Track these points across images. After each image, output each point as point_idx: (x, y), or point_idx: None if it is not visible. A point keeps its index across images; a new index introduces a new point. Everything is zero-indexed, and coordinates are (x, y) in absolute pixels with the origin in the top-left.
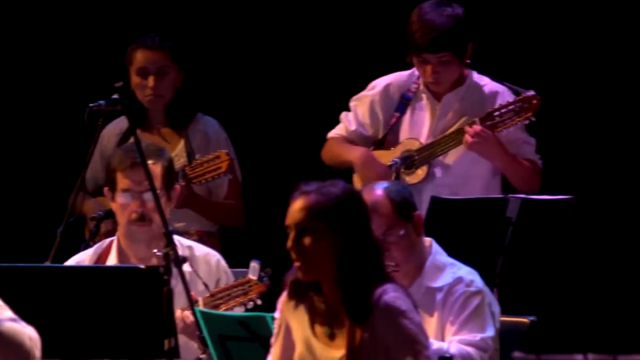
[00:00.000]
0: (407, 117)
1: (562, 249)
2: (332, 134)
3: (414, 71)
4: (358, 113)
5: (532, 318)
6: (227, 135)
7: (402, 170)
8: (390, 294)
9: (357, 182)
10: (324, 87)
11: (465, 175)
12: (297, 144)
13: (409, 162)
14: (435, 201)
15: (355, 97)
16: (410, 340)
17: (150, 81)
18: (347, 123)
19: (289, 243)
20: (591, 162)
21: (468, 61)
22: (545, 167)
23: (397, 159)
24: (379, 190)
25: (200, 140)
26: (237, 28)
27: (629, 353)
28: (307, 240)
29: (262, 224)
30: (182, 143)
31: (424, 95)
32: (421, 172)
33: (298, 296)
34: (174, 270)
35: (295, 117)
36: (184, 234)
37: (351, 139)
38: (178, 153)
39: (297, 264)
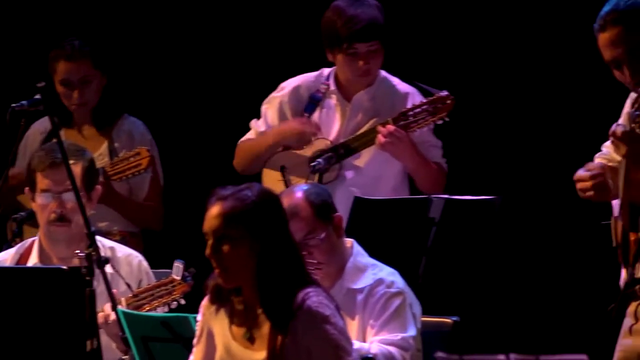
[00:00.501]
0: (316, 117)
1: (485, 249)
2: (242, 139)
3: (322, 72)
4: (268, 115)
5: (455, 318)
6: (152, 137)
7: (324, 170)
8: (313, 298)
9: (266, 177)
10: (248, 92)
11: (376, 176)
12: (222, 147)
13: (332, 162)
14: (358, 201)
15: (266, 99)
16: (332, 346)
17: (75, 93)
18: (257, 127)
19: (207, 251)
20: (514, 162)
21: None
22: (469, 168)
23: (320, 160)
24: (298, 193)
25: (124, 141)
26: (164, 31)
27: (551, 353)
28: (225, 247)
29: (184, 224)
30: (106, 143)
31: (333, 96)
32: (333, 173)
33: (219, 300)
34: (96, 271)
35: (221, 120)
36: (106, 234)
37: None
38: (102, 153)
39: (216, 271)
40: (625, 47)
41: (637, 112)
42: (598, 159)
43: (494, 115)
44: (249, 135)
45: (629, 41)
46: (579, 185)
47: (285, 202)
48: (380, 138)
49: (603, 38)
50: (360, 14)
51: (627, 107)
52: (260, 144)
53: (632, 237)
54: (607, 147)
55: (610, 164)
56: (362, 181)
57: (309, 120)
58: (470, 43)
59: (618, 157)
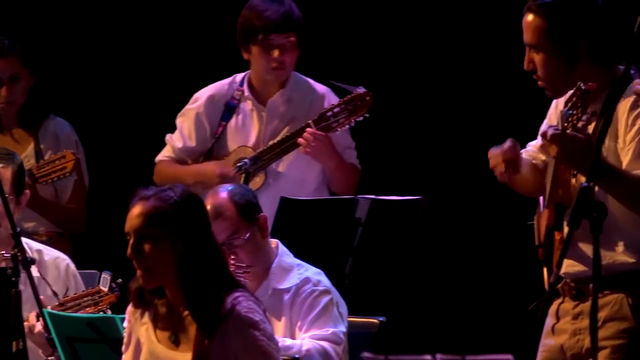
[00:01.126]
0: (233, 124)
1: (411, 249)
2: (160, 157)
3: (235, 77)
4: (184, 128)
5: (381, 318)
6: (79, 138)
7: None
8: (243, 303)
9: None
10: (173, 93)
11: (298, 180)
12: (148, 148)
13: (260, 163)
14: (284, 201)
15: (180, 113)
16: (260, 352)
17: (3, 91)
18: (173, 142)
19: (129, 251)
20: (440, 163)
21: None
22: (395, 168)
23: (246, 160)
24: (223, 193)
25: (50, 142)
26: (89, 31)
27: (477, 353)
28: (146, 247)
29: (111, 224)
30: (32, 144)
31: (249, 101)
32: (259, 179)
33: (143, 303)
34: (23, 276)
35: (147, 121)
36: (33, 234)
37: (180, 158)
38: (28, 154)
39: (138, 272)
40: (531, 36)
41: (570, 112)
42: (523, 154)
43: (421, 116)
44: (166, 152)
45: (536, 33)
46: (491, 163)
47: (210, 202)
48: (302, 142)
49: (526, 20)
50: (277, 7)
51: (552, 107)
52: (178, 178)
53: (557, 236)
54: (533, 145)
55: (534, 161)
56: (284, 185)
57: (226, 164)
58: (392, 42)
59: (542, 156)
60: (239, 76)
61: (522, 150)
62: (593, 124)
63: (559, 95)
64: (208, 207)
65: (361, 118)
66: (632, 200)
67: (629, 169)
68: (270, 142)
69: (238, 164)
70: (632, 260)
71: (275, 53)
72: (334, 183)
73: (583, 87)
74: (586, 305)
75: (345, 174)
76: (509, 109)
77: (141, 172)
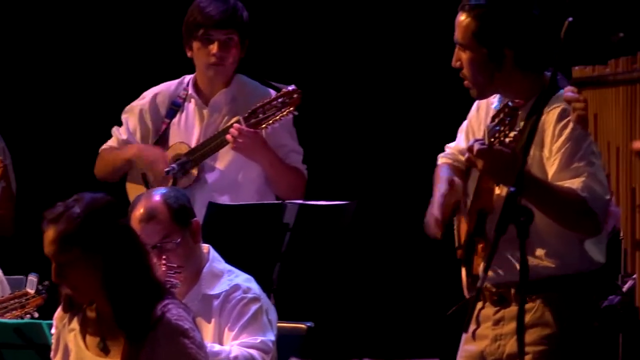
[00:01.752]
0: (176, 123)
1: (339, 254)
2: (104, 146)
3: (184, 78)
4: (129, 123)
5: (309, 324)
6: (5, 145)
7: (179, 175)
8: (173, 311)
9: (130, 189)
10: (105, 97)
11: (237, 178)
12: (78, 153)
13: (187, 167)
14: (212, 207)
15: (126, 108)
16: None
17: None
18: (118, 134)
19: (52, 276)
20: (368, 168)
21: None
22: (324, 173)
23: (174, 165)
24: (157, 196)
25: None
26: (18, 35)
27: (404, 358)
28: (67, 270)
29: (39, 230)
30: None
31: (192, 100)
32: (192, 175)
33: (72, 309)
34: None
35: (76, 126)
36: None
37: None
38: None
39: (67, 291)
40: (460, 35)
41: (497, 128)
42: (442, 159)
43: (348, 120)
44: (110, 142)
45: (464, 33)
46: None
47: (143, 204)
48: (230, 138)
49: (458, 19)
50: (220, 5)
51: (473, 109)
52: (118, 155)
53: (478, 242)
54: (452, 147)
55: (455, 163)
56: (223, 184)
57: (166, 155)
58: (323, 49)
59: (462, 158)
60: (187, 77)
61: (441, 155)
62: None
63: (482, 96)
64: (141, 210)
65: (290, 116)
66: (557, 213)
67: (554, 180)
68: (204, 140)
69: (166, 169)
70: (552, 265)
71: (214, 48)
72: (273, 184)
73: (511, 105)
74: (508, 311)
75: (284, 175)
76: (435, 113)
77: (68, 175)
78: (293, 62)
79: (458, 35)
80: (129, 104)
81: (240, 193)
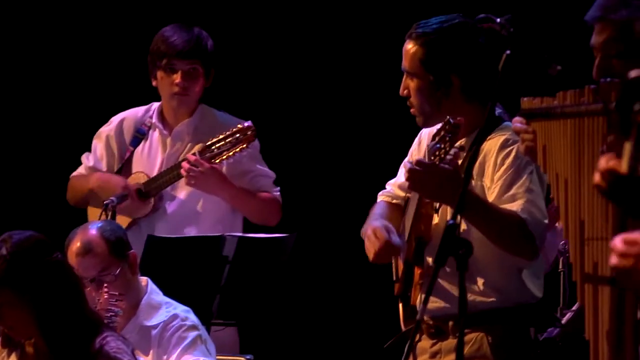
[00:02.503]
0: (140, 151)
1: (278, 286)
2: (74, 173)
3: (152, 105)
4: (96, 149)
5: (248, 357)
6: None
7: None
8: (112, 344)
9: (91, 213)
10: (69, 124)
11: (197, 208)
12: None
13: (150, 189)
14: (151, 240)
15: (96, 134)
16: None
17: None
18: (87, 161)
19: None
20: (307, 200)
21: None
22: None
23: (113, 198)
24: (93, 230)
25: None
26: None
27: None
28: (1, 311)
29: None
30: None
31: (157, 129)
32: (149, 205)
33: (10, 345)
34: None
35: (47, 153)
36: None
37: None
38: None
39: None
40: (408, 64)
41: (438, 145)
42: (381, 197)
43: (289, 155)
44: (80, 169)
45: (412, 61)
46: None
47: (80, 237)
48: (183, 172)
49: (406, 47)
50: (184, 35)
51: (415, 144)
52: (83, 185)
53: (417, 271)
54: (392, 184)
55: (394, 201)
56: (183, 213)
57: (129, 184)
58: (272, 80)
59: (402, 194)
60: (155, 104)
61: (381, 193)
62: (461, 159)
63: (428, 124)
64: (77, 244)
65: (244, 152)
66: (496, 234)
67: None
68: (164, 170)
69: (105, 202)
70: (491, 299)
71: (177, 78)
72: (244, 214)
73: (452, 122)
74: (445, 344)
75: (249, 203)
76: (376, 146)
77: (39, 201)
78: (240, 93)
79: (405, 63)
80: (97, 129)
81: (201, 223)
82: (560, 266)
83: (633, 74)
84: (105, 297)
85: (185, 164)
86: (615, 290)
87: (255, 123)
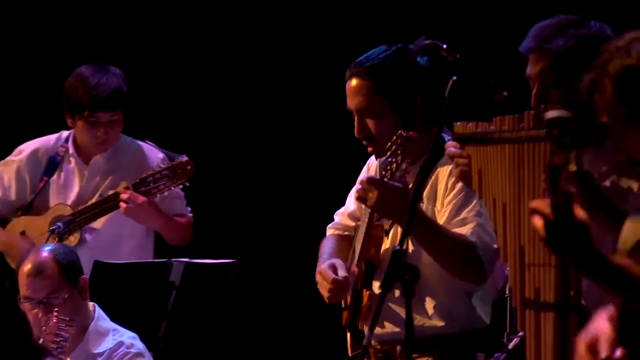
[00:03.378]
0: (55, 181)
1: (226, 312)
2: None
3: (61, 134)
4: (4, 179)
5: None
6: None
7: (64, 235)
8: None
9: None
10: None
11: (115, 236)
12: None
13: (70, 225)
14: (97, 265)
15: (2, 162)
16: None
17: None
18: None
19: None
20: (254, 227)
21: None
22: (211, 232)
23: (59, 224)
24: (45, 252)
25: None
26: None
27: None
28: None
29: None
30: None
31: (72, 159)
32: (73, 238)
33: None
34: None
35: None
36: None
37: None
38: None
39: None
40: (360, 100)
41: (389, 160)
42: (330, 231)
43: (236, 182)
44: None
45: (365, 96)
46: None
47: (32, 259)
48: (122, 204)
49: (348, 86)
50: (105, 83)
51: (364, 171)
52: None
53: (366, 293)
54: (340, 214)
55: (345, 233)
56: (101, 243)
57: (44, 220)
58: (211, 108)
59: (352, 223)
60: (65, 133)
61: (330, 225)
62: (412, 175)
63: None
64: (29, 265)
65: (181, 186)
66: (445, 256)
67: None
68: (90, 202)
69: (52, 227)
70: (441, 323)
71: (101, 131)
72: (164, 238)
73: (404, 135)
74: None
75: (174, 229)
76: (324, 173)
77: None
78: (177, 125)
79: (357, 101)
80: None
81: (119, 250)
82: (507, 292)
83: (550, 114)
84: (55, 321)
85: (124, 196)
86: (558, 315)
87: (195, 151)
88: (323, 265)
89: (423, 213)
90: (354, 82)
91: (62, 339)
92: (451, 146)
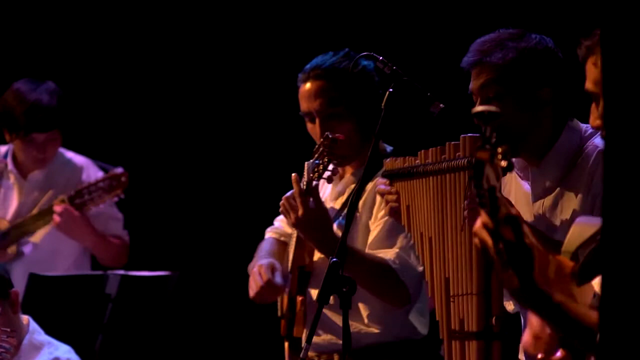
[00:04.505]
0: None
1: (161, 325)
2: None
3: (0, 149)
4: None
5: None
6: None
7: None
8: None
9: None
10: None
11: (52, 251)
12: None
13: (7, 238)
14: (33, 277)
15: None
16: None
17: None
18: None
19: None
20: (190, 238)
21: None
22: (147, 244)
23: None
24: None
25: None
26: None
27: None
28: None
29: None
30: None
31: (11, 175)
32: (10, 252)
33: None
34: None
35: None
36: None
37: None
38: None
39: None
40: (322, 101)
41: (317, 162)
42: (269, 233)
43: (173, 194)
44: None
45: (326, 97)
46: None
47: None
48: (55, 217)
49: (303, 90)
50: (41, 102)
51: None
52: None
53: (299, 298)
54: (279, 220)
55: (282, 238)
56: (39, 257)
57: None
58: (139, 117)
59: (289, 230)
60: (3, 148)
61: (269, 229)
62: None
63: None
64: None
65: (116, 198)
66: (366, 282)
67: (373, 245)
68: (28, 215)
69: None
70: (376, 331)
71: (38, 150)
72: (97, 257)
73: (330, 136)
74: None
75: (107, 249)
76: (263, 179)
77: None
78: (115, 138)
79: (306, 105)
80: None
81: (56, 265)
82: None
83: (476, 108)
84: None
85: (57, 209)
86: (482, 344)
87: (129, 162)
88: (264, 262)
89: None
90: (305, 85)
91: (4, 350)
92: (380, 183)
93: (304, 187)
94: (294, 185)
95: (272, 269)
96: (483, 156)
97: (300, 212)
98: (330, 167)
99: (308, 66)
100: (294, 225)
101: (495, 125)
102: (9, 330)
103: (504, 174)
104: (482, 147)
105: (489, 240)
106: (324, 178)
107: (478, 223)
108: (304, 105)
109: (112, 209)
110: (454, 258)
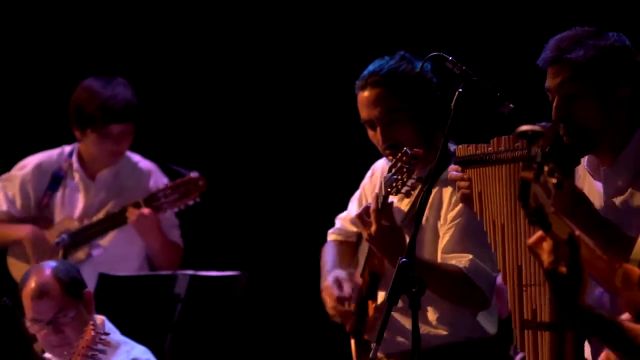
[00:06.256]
0: (59, 195)
1: (231, 324)
2: None
3: (64, 149)
4: (8, 193)
5: None
6: None
7: (70, 249)
8: None
9: (11, 264)
10: None
11: (120, 255)
12: None
13: (77, 239)
14: (102, 278)
15: (4, 176)
16: None
17: None
18: None
19: None
20: (259, 239)
21: None
22: (216, 244)
23: (64, 236)
24: (47, 271)
25: None
26: None
27: None
28: None
29: None
30: None
31: (76, 174)
32: (82, 253)
33: None
34: None
35: None
36: None
37: (1, 220)
38: None
39: None
40: (382, 109)
41: (395, 177)
42: (332, 235)
43: (242, 194)
44: None
45: (386, 104)
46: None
47: (34, 280)
48: (132, 219)
49: (362, 97)
50: (117, 95)
51: (367, 176)
52: (13, 233)
53: (371, 305)
54: (342, 218)
55: (346, 239)
56: (105, 260)
57: (50, 234)
58: (213, 125)
59: (354, 229)
60: (67, 148)
61: (331, 231)
62: (417, 189)
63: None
64: (32, 286)
65: (192, 202)
66: (443, 291)
67: (446, 250)
68: (96, 217)
69: (57, 239)
70: (444, 333)
71: (114, 143)
72: (156, 261)
73: (409, 152)
74: None
75: (169, 253)
76: (326, 181)
77: None
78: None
79: (367, 112)
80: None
81: (121, 269)
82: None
83: (520, 128)
84: (93, 334)
85: (136, 212)
86: (555, 335)
87: (197, 163)
88: (328, 281)
89: (418, 257)
90: (364, 92)
91: (98, 351)
92: (453, 169)
93: (380, 202)
94: (372, 201)
95: (339, 284)
96: (528, 176)
97: (373, 228)
98: (409, 182)
99: (365, 72)
100: (367, 240)
101: (540, 144)
102: (102, 332)
103: (558, 188)
104: (527, 166)
105: (543, 257)
106: (402, 193)
107: (533, 238)
108: (364, 113)
109: (172, 215)
110: (527, 247)
